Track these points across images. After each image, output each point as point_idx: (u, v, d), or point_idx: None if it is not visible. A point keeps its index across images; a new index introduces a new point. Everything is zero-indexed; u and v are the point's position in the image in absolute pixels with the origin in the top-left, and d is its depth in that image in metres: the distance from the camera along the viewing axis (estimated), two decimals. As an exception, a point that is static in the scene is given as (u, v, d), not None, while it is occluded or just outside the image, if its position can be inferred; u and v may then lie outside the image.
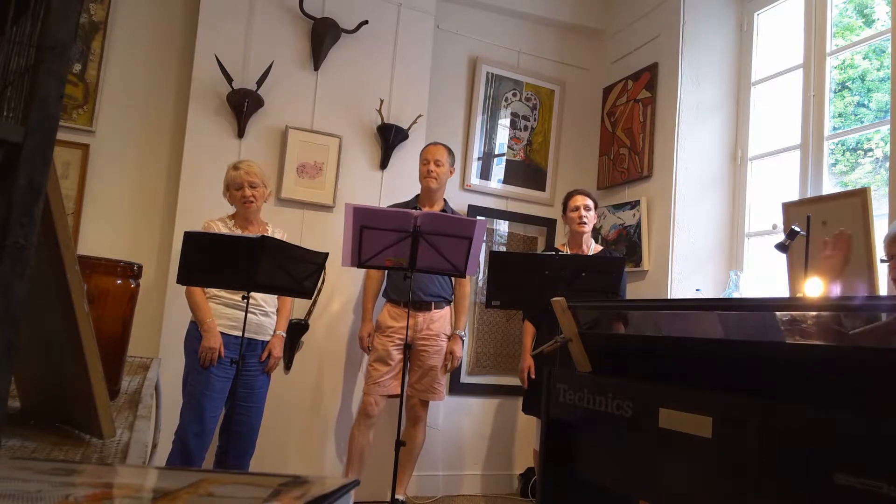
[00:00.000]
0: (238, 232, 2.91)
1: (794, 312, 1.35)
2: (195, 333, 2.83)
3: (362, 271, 3.49)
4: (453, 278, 3.37)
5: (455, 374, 3.94)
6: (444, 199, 3.48)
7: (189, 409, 2.79)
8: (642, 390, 1.50)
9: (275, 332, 3.01)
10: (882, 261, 2.13)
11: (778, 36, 3.64)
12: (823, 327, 1.27)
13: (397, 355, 3.25)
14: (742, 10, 3.81)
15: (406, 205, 3.36)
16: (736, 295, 3.12)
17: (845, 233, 2.29)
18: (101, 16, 3.35)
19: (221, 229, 2.90)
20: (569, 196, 3.38)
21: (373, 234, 2.63)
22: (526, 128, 4.30)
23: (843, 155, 3.23)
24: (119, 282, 1.08)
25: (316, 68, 3.61)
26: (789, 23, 3.49)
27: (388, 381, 3.25)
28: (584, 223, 3.28)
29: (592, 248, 3.39)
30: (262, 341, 2.95)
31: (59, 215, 0.69)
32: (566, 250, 3.36)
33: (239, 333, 2.78)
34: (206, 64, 3.36)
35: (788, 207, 2.73)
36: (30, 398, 0.95)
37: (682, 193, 3.67)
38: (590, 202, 3.31)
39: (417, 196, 3.44)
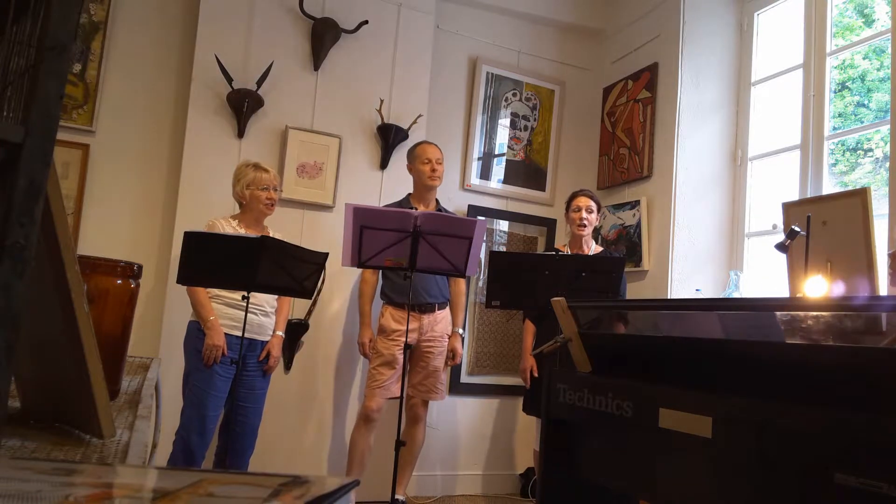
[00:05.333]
0: (243, 232, 2.91)
1: (794, 312, 1.35)
2: (196, 333, 2.83)
3: (361, 271, 3.48)
4: (449, 278, 3.35)
5: (455, 374, 3.94)
6: (437, 199, 3.45)
7: (191, 409, 2.79)
8: (642, 390, 1.50)
9: (274, 332, 3.01)
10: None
11: (778, 36, 3.64)
12: (823, 327, 1.27)
13: (402, 358, 3.24)
14: (742, 10, 3.81)
15: (399, 204, 3.34)
16: (736, 295, 3.12)
17: None
18: (101, 16, 3.34)
19: (227, 229, 2.90)
20: (573, 196, 3.38)
21: (373, 234, 2.63)
22: (526, 128, 4.29)
23: (843, 155, 3.23)
24: (119, 282, 1.08)
25: (316, 68, 3.61)
26: (789, 23, 3.49)
27: (392, 385, 3.23)
28: (584, 225, 3.29)
29: (593, 248, 3.40)
30: (262, 341, 2.95)
31: (59, 215, 0.69)
32: (566, 250, 3.36)
33: (240, 333, 2.78)
34: (206, 64, 3.36)
35: (788, 207, 2.73)
36: (30, 398, 0.95)
37: (682, 193, 3.67)
38: (592, 205, 3.31)
39: (409, 195, 3.41)
